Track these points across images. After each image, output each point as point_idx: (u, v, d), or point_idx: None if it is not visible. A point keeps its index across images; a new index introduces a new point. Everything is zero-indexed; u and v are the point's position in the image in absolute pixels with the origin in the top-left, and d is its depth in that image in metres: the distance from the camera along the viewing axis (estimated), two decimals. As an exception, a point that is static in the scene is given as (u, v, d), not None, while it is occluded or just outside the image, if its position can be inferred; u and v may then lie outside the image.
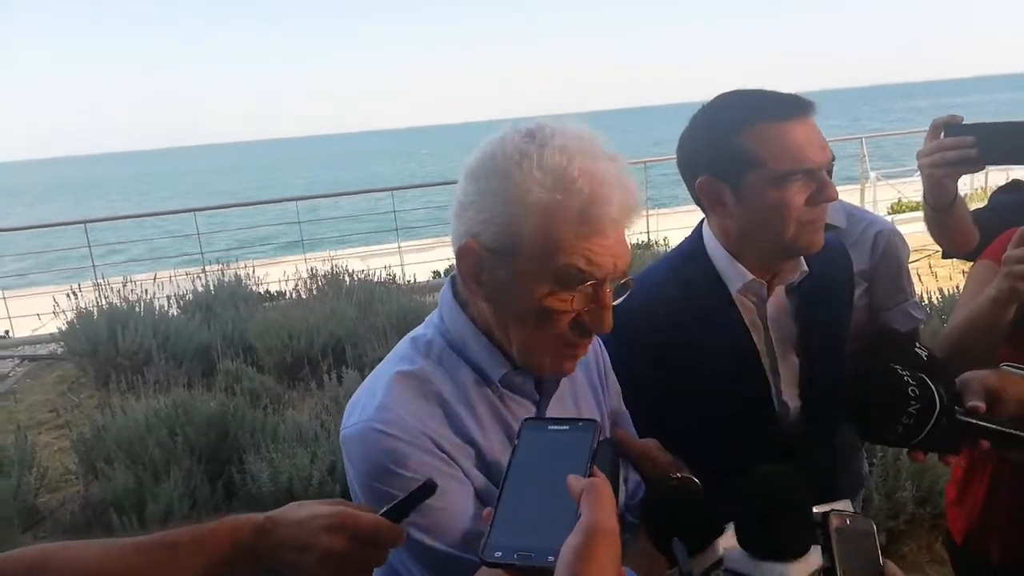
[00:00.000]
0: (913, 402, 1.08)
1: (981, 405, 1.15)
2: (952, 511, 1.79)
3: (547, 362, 1.08)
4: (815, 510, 0.91)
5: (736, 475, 0.93)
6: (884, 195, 13.13)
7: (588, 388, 1.27)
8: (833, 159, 1.39)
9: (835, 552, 0.85)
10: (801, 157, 1.33)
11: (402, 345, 1.17)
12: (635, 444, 1.26)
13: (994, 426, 1.15)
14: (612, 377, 1.35)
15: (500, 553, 0.75)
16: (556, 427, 0.87)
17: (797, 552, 0.84)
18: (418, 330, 1.19)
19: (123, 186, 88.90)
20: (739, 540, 0.88)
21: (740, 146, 1.34)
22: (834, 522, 0.87)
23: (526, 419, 0.89)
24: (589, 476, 0.78)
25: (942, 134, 1.63)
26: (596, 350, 1.33)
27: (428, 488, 0.92)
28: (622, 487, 1.23)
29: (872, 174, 13.41)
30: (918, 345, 1.21)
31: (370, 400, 1.07)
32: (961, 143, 1.59)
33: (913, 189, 12.39)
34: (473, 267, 1.05)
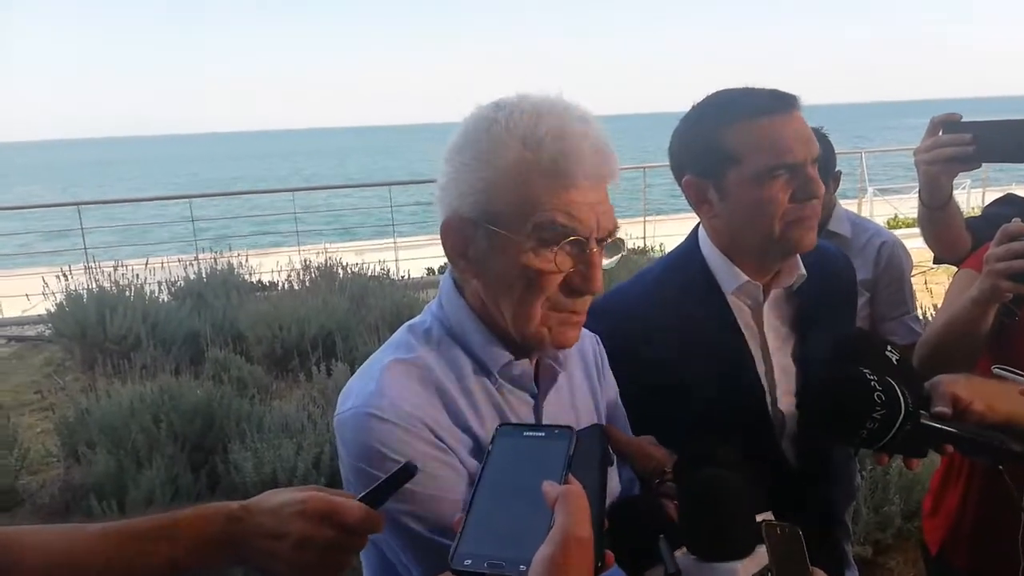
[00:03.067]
0: (879, 407, 1.08)
1: (947, 411, 1.15)
2: (928, 522, 1.81)
3: (544, 332, 1.05)
4: None
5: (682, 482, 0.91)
6: (881, 210, 13.19)
7: (586, 385, 1.25)
8: (827, 159, 1.35)
9: (770, 562, 0.84)
10: (782, 152, 1.30)
11: (399, 333, 1.15)
12: (629, 441, 1.24)
13: (959, 431, 1.16)
14: (609, 374, 1.32)
15: (470, 561, 0.72)
16: (531, 434, 0.85)
17: (744, 550, 0.84)
18: (416, 319, 1.17)
19: (120, 171, 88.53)
20: (688, 544, 0.87)
21: (721, 143, 1.33)
22: (766, 531, 0.86)
23: (500, 425, 0.87)
24: (565, 483, 0.76)
25: (940, 131, 1.63)
26: (594, 347, 1.31)
27: (407, 472, 0.90)
28: (614, 478, 1.21)
29: (869, 189, 13.47)
30: (889, 348, 1.20)
31: (365, 386, 1.04)
32: (959, 140, 1.59)
33: (909, 206, 12.44)
34: (458, 243, 1.05)
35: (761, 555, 0.84)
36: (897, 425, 1.09)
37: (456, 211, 1.03)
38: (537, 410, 1.14)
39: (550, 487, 0.73)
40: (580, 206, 0.99)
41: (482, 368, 1.09)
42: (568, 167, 0.98)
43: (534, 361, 1.14)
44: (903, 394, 1.10)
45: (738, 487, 0.87)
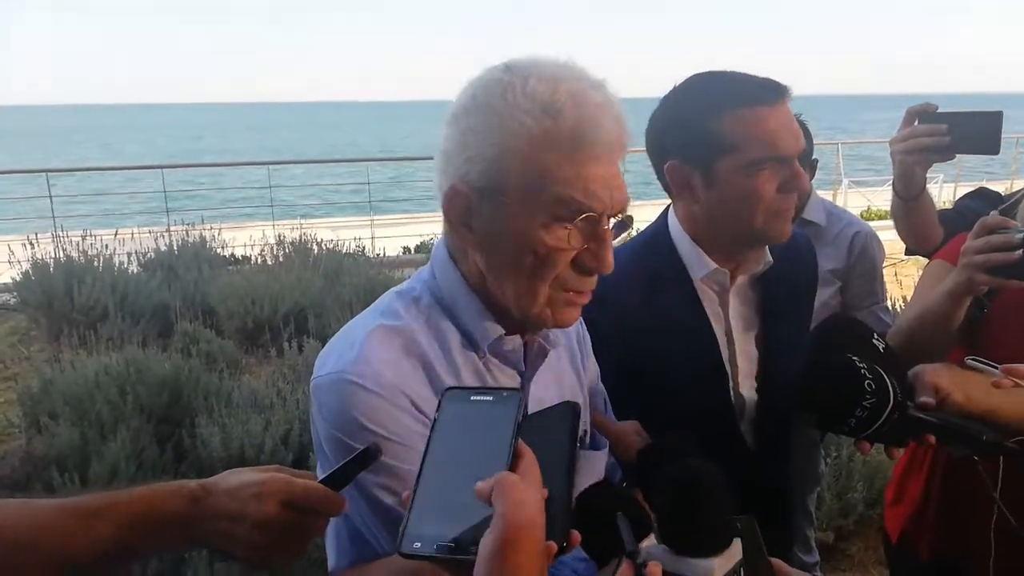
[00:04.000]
0: (869, 396, 1.07)
1: (931, 401, 1.16)
2: (889, 511, 1.83)
3: (548, 312, 1.02)
4: None
5: (657, 470, 0.89)
6: (854, 202, 13.33)
7: (570, 367, 1.23)
8: (806, 148, 1.35)
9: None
10: (775, 144, 1.29)
11: (386, 298, 1.10)
12: (610, 427, 1.23)
13: (942, 421, 1.16)
14: (591, 356, 1.31)
15: (419, 544, 0.69)
16: (479, 397, 0.80)
17: (721, 545, 0.82)
18: (405, 285, 1.12)
19: (93, 138, 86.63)
20: (661, 536, 0.85)
21: (712, 131, 1.31)
22: None
23: (447, 388, 0.83)
24: (513, 453, 0.73)
25: (916, 121, 1.64)
26: (578, 327, 1.28)
27: (370, 454, 0.87)
28: (600, 462, 1.20)
29: (844, 180, 13.61)
30: (875, 337, 1.20)
31: (347, 350, 1.00)
32: (935, 131, 1.60)
33: (883, 198, 12.57)
34: (463, 212, 0.99)
35: (736, 549, 0.83)
36: (886, 414, 1.08)
37: (462, 178, 0.97)
38: (524, 388, 1.11)
39: (483, 484, 0.70)
40: (597, 180, 0.95)
41: (470, 342, 1.06)
42: (588, 138, 0.94)
43: (524, 337, 1.11)
44: (892, 383, 1.09)
45: (718, 482, 0.84)
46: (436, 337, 1.04)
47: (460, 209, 0.99)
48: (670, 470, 0.85)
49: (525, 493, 0.69)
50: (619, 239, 1.03)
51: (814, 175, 2.52)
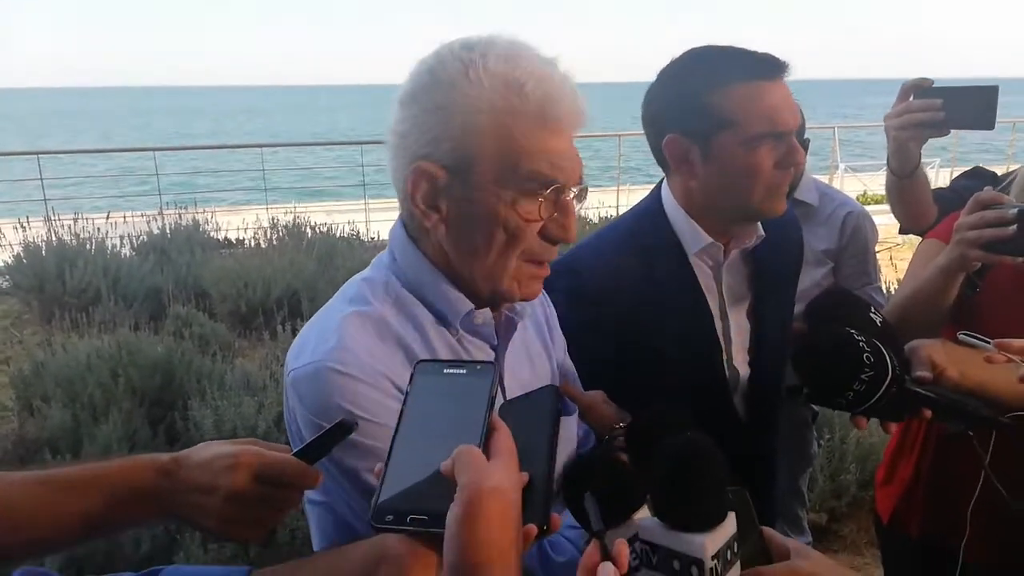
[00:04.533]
0: (867, 369, 1.06)
1: (928, 375, 1.15)
2: (880, 491, 1.84)
3: (515, 286, 1.03)
4: None
5: (652, 443, 0.88)
6: (851, 187, 13.32)
7: (537, 339, 1.24)
8: (803, 124, 1.34)
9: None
10: (774, 120, 1.29)
11: (352, 286, 1.10)
12: (581, 397, 1.23)
13: (939, 396, 1.15)
14: (558, 330, 1.31)
15: (392, 517, 0.69)
16: (452, 370, 0.79)
17: (717, 520, 0.81)
18: (367, 272, 1.12)
19: (80, 121, 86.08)
20: (654, 509, 0.84)
21: (712, 105, 1.30)
22: None
23: (419, 361, 0.82)
24: (487, 427, 0.72)
25: (911, 97, 1.63)
26: (543, 302, 1.29)
27: (345, 427, 0.86)
28: (571, 429, 1.21)
29: (841, 165, 13.60)
30: (873, 310, 1.19)
31: (322, 341, 1.00)
32: (929, 106, 1.59)
33: (879, 183, 12.55)
34: (429, 192, 0.99)
35: (729, 525, 0.82)
36: (883, 388, 1.06)
37: (427, 158, 0.96)
38: (498, 361, 1.11)
39: (446, 462, 0.69)
40: (562, 153, 0.97)
41: (441, 319, 1.06)
42: (553, 113, 0.95)
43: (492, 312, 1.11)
44: (890, 357, 1.08)
45: (716, 457, 0.82)
46: (409, 319, 1.04)
47: (427, 191, 0.98)
48: (668, 443, 0.84)
49: (489, 463, 0.68)
50: (579, 207, 1.06)
51: (806, 154, 2.51)
